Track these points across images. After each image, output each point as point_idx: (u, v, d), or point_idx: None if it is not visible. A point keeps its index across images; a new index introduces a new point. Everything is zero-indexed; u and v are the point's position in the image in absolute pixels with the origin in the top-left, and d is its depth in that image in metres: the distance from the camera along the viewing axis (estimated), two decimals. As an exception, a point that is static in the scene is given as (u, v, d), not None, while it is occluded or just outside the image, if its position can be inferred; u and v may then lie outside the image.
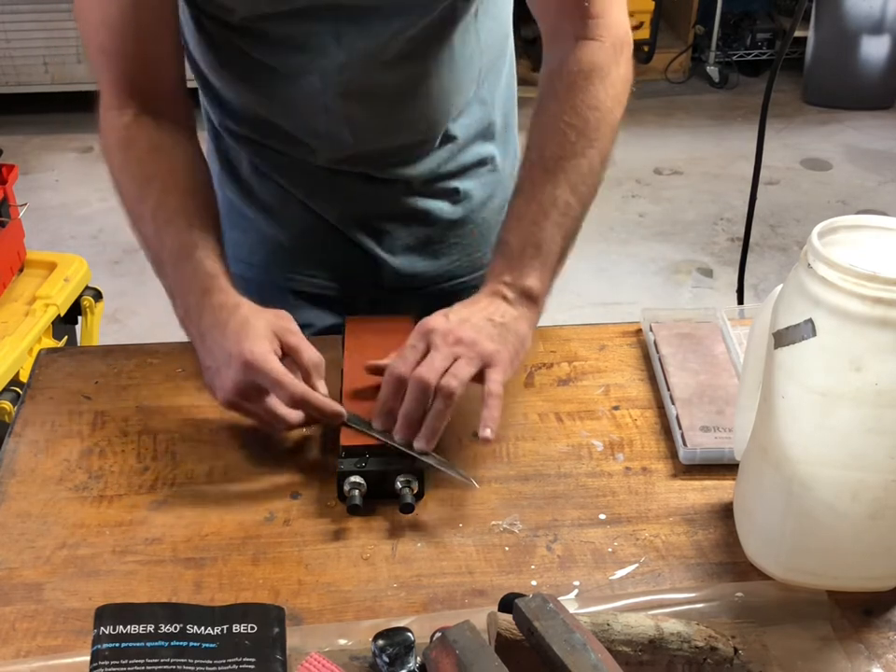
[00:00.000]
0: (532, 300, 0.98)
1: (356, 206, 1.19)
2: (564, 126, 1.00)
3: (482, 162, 1.22)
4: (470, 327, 0.93)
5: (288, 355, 0.94)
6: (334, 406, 0.93)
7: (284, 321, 0.96)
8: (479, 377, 0.91)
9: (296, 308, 1.23)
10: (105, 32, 1.01)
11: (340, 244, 1.21)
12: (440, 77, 1.10)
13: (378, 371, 0.97)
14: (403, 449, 0.91)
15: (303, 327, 1.23)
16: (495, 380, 0.91)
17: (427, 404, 0.90)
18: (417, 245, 1.22)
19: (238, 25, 1.04)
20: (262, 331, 0.92)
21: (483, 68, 1.15)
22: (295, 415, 0.93)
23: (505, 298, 0.97)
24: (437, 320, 0.94)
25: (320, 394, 0.93)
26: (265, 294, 1.22)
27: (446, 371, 0.90)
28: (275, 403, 0.92)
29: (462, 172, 1.20)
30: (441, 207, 1.21)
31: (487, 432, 0.89)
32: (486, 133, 1.20)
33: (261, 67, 1.07)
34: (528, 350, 0.97)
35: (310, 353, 0.94)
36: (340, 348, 1.06)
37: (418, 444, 0.90)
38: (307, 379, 0.93)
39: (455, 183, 1.20)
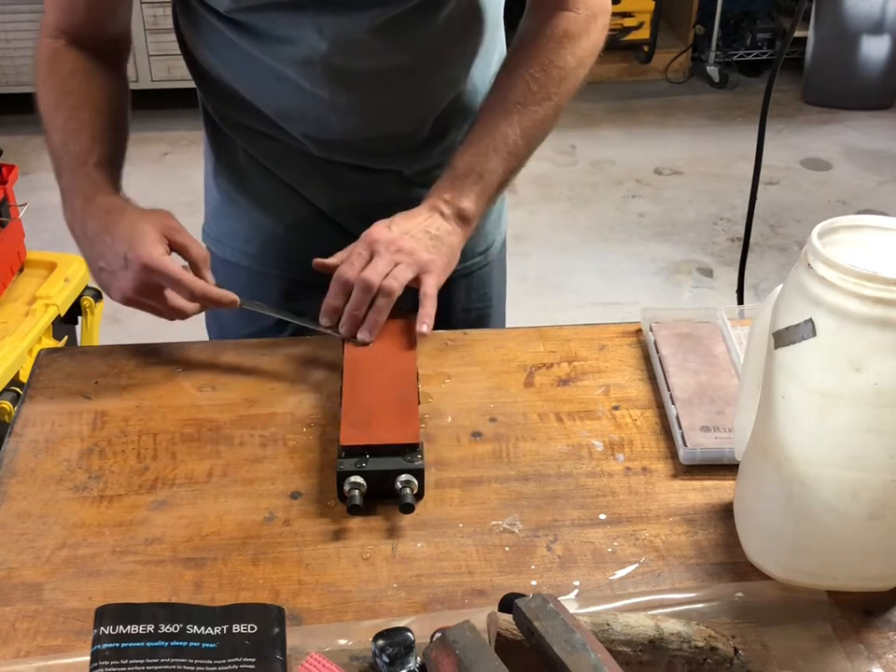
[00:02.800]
0: (465, 220, 1.08)
1: (349, 196, 1.21)
2: (528, 77, 1.10)
3: None
4: (410, 238, 1.04)
5: (176, 251, 1.02)
6: (229, 295, 1.03)
7: (168, 220, 1.03)
8: (415, 282, 1.03)
9: (292, 297, 1.24)
10: None
11: (334, 233, 1.22)
12: (425, 66, 1.12)
13: (326, 268, 1.06)
14: (329, 332, 1.04)
15: (299, 315, 1.25)
16: (430, 283, 1.04)
17: (369, 302, 1.02)
18: None
19: (224, 15, 1.07)
20: (153, 234, 1.00)
21: (471, 57, 1.17)
22: (192, 306, 1.02)
23: (442, 213, 1.07)
24: (381, 231, 1.05)
25: (213, 285, 1.03)
26: (260, 282, 1.25)
27: (388, 274, 1.01)
28: (173, 297, 1.01)
29: None
30: None
31: (424, 328, 1.02)
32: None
33: (249, 56, 1.10)
34: (456, 261, 1.09)
35: (197, 248, 1.04)
36: (340, 348, 1.06)
37: (361, 335, 1.03)
38: (196, 272, 1.03)
39: None
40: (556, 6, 1.12)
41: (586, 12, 1.12)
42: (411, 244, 1.04)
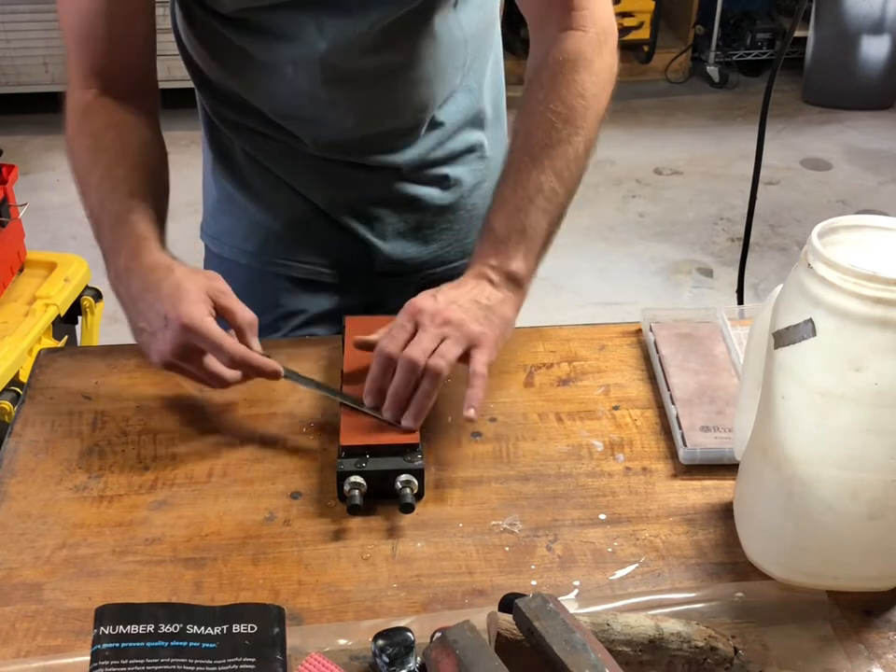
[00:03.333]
0: (517, 283, 1.00)
1: (347, 193, 1.21)
2: (550, 114, 1.02)
3: (471, 149, 1.24)
4: (458, 308, 0.95)
5: (222, 316, 0.96)
6: (272, 364, 0.96)
7: (216, 282, 0.97)
8: (464, 357, 0.94)
9: (290, 294, 1.24)
10: (77, 17, 1.04)
11: (331, 230, 1.22)
12: (422, 64, 1.12)
13: (367, 346, 0.99)
14: (373, 415, 0.94)
15: (297, 313, 1.25)
16: (480, 361, 0.93)
17: (414, 383, 0.92)
18: (408, 231, 1.24)
19: (224, 15, 1.07)
20: (196, 294, 0.94)
21: (468, 56, 1.17)
22: (232, 374, 0.96)
23: (491, 281, 0.99)
24: (425, 301, 0.96)
25: (256, 353, 0.96)
26: (258, 280, 1.25)
27: (434, 351, 0.92)
28: (213, 363, 0.95)
29: (451, 159, 1.22)
30: (431, 193, 1.22)
31: (471, 412, 0.91)
32: (475, 121, 1.22)
33: (247, 56, 1.10)
34: (511, 333, 1.00)
35: (243, 313, 0.97)
36: (340, 348, 1.06)
37: (406, 422, 0.93)
38: (241, 338, 0.96)
39: (444, 169, 1.22)
40: (562, 24, 1.06)
41: (595, 30, 1.07)
42: (459, 315, 0.94)
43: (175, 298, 0.93)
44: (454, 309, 0.95)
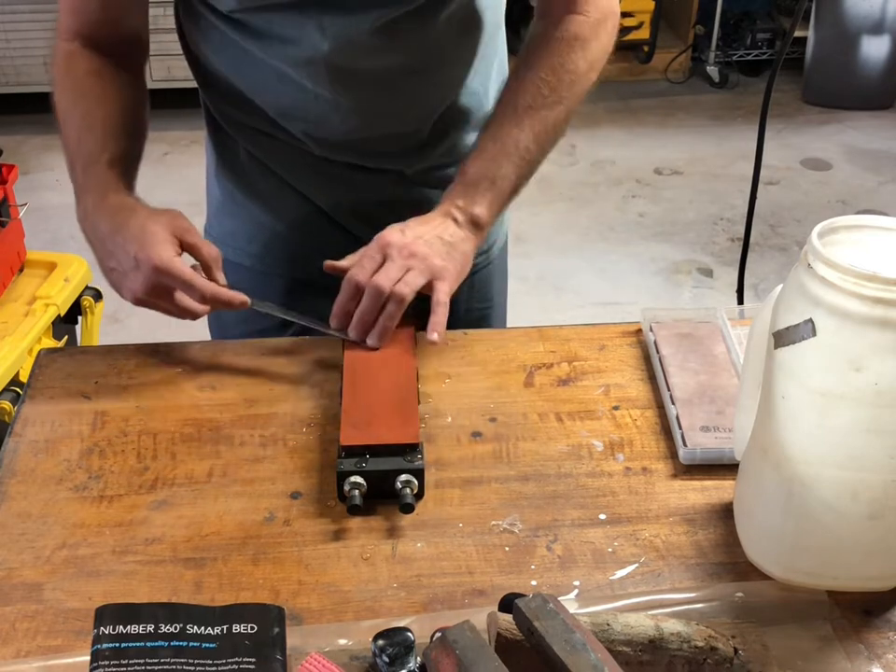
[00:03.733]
0: (478, 226, 1.07)
1: (351, 195, 1.21)
2: (539, 81, 1.09)
3: None
4: (423, 243, 1.03)
5: (187, 251, 1.02)
6: (239, 296, 1.03)
7: (179, 220, 1.02)
8: (427, 288, 1.02)
9: (293, 296, 1.24)
10: None
11: (335, 232, 1.23)
12: (426, 66, 1.12)
13: (336, 270, 1.05)
14: (338, 335, 1.04)
15: (308, 316, 1.25)
16: (442, 290, 1.02)
17: (379, 307, 1.01)
18: None
19: (227, 15, 1.07)
20: (163, 235, 0.99)
21: (472, 58, 1.17)
22: (202, 308, 1.02)
23: (455, 220, 1.06)
24: (394, 235, 1.03)
25: (223, 287, 1.03)
26: (262, 282, 1.25)
27: (399, 279, 1.00)
28: (184, 299, 1.01)
29: (456, 161, 1.21)
30: (434, 196, 1.22)
31: (434, 336, 1.00)
32: (480, 124, 1.22)
33: (250, 56, 1.10)
34: (468, 269, 1.07)
35: (208, 248, 1.03)
36: (340, 348, 1.06)
37: (370, 341, 1.02)
38: (208, 272, 1.03)
39: (449, 172, 1.21)
40: (565, 9, 1.11)
41: (596, 15, 1.12)
42: (424, 249, 1.02)
43: (143, 240, 0.98)
44: (419, 243, 1.02)
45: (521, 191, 1.11)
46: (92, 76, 1.10)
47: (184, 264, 0.99)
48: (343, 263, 1.05)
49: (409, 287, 1.00)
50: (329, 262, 1.06)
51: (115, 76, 1.11)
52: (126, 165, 1.07)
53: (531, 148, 1.09)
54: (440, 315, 1.01)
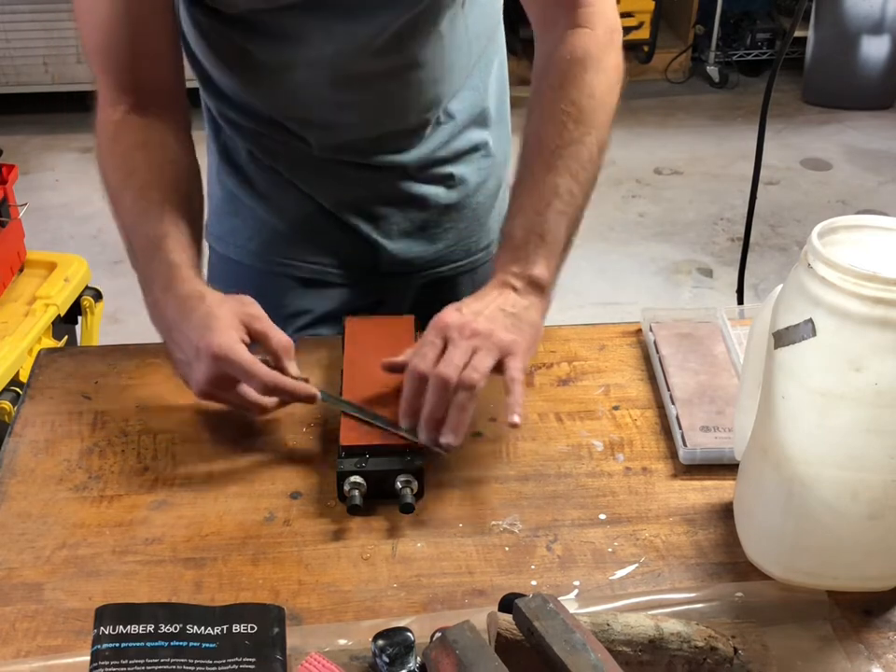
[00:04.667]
0: (540, 288, 0.98)
1: (352, 192, 1.20)
2: (561, 114, 1.01)
3: (475, 148, 1.24)
4: (485, 318, 0.93)
5: (255, 339, 0.94)
6: (307, 388, 0.94)
7: (248, 307, 0.96)
8: (497, 368, 0.92)
9: (295, 294, 1.24)
10: (100, 31, 1.02)
11: (337, 229, 1.22)
12: (429, 65, 1.12)
13: (395, 368, 0.97)
14: (409, 438, 0.92)
15: (303, 313, 1.24)
16: (515, 367, 0.92)
17: (448, 400, 0.90)
18: (413, 230, 1.24)
19: (231, 18, 1.06)
20: (227, 321, 0.92)
21: (474, 56, 1.17)
22: (269, 401, 0.95)
23: (514, 288, 0.97)
24: (451, 315, 0.94)
25: (291, 376, 0.94)
26: (263, 280, 1.25)
27: (466, 364, 0.91)
28: (248, 391, 0.93)
29: (456, 157, 1.22)
30: (436, 192, 1.22)
31: (515, 418, 0.90)
32: (480, 120, 1.22)
33: (254, 58, 1.09)
34: (541, 338, 0.98)
35: (278, 337, 0.95)
36: (340, 348, 1.06)
37: (445, 440, 0.90)
38: (277, 363, 0.94)
39: (449, 168, 1.22)
40: (569, 22, 1.05)
41: (602, 28, 1.06)
42: (487, 325, 0.93)
43: (206, 327, 0.91)
44: (481, 320, 0.93)
45: (573, 239, 1.03)
46: (141, 149, 1.03)
47: (246, 352, 0.91)
48: (400, 359, 0.96)
49: (478, 373, 0.90)
50: (386, 361, 0.98)
51: (163, 147, 1.04)
52: (189, 248, 0.99)
53: (573, 191, 1.00)
54: (516, 394, 0.91)
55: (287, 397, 0.94)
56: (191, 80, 1.19)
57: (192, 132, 1.10)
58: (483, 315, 0.94)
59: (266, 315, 0.96)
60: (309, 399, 0.95)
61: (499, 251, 1.01)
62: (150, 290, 0.98)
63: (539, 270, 0.98)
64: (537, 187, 1.00)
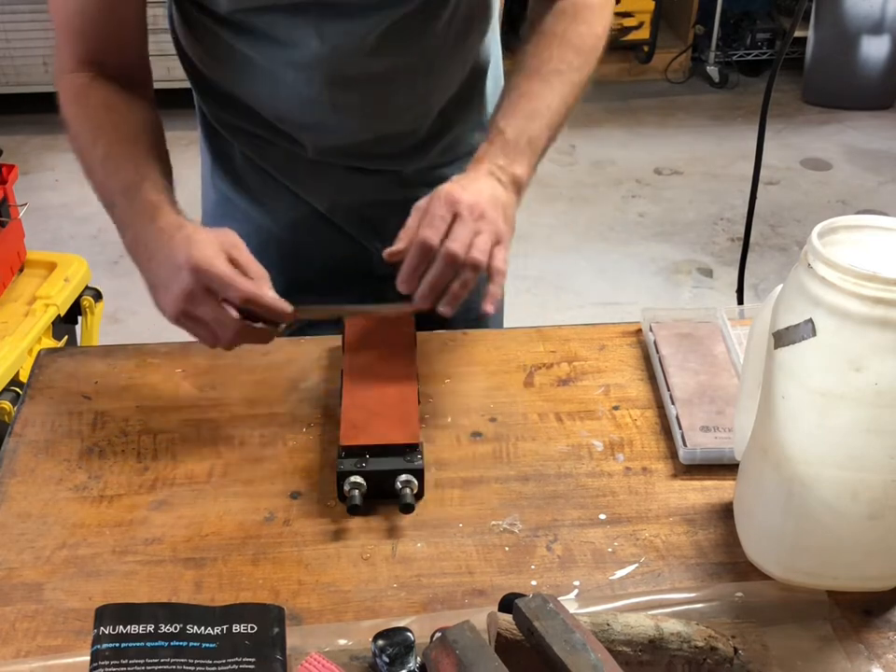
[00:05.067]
0: (519, 187, 1.03)
1: (347, 196, 1.20)
2: (567, 45, 1.09)
3: (471, 152, 1.23)
4: (488, 202, 0.97)
5: (235, 268, 0.95)
6: (282, 303, 0.95)
7: (229, 237, 0.97)
8: None
9: (289, 298, 1.24)
10: (74, 6, 1.04)
11: (331, 233, 1.22)
12: (423, 68, 1.12)
13: (396, 256, 0.97)
14: (385, 311, 0.98)
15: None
16: (501, 258, 0.95)
17: (452, 274, 0.93)
18: None
19: (223, 18, 1.06)
20: (210, 242, 0.94)
21: (469, 58, 1.17)
22: (236, 323, 0.93)
23: (500, 180, 1.01)
24: (458, 191, 0.96)
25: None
26: None
27: (471, 244, 0.93)
28: (221, 312, 0.93)
29: (452, 162, 1.22)
30: None
31: (490, 307, 0.94)
32: (476, 124, 1.22)
33: (246, 59, 1.09)
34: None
35: (256, 266, 0.96)
36: (340, 348, 1.06)
37: (443, 309, 0.94)
38: (250, 303, 0.94)
39: (445, 172, 1.21)
40: None
41: None
42: (492, 211, 0.96)
43: (187, 246, 0.93)
44: (486, 203, 0.96)
45: (546, 153, 1.09)
46: (107, 108, 1.06)
47: (226, 264, 0.93)
48: (400, 245, 0.96)
49: (483, 255, 0.93)
50: (388, 250, 0.97)
51: (130, 103, 1.07)
52: (167, 188, 1.02)
53: (561, 110, 1.07)
54: (498, 285, 0.95)
55: (264, 310, 0.94)
56: (184, 81, 1.19)
57: (189, 131, 1.10)
58: (484, 198, 0.97)
59: (244, 244, 0.97)
60: (284, 312, 0.95)
61: (489, 142, 1.04)
62: (130, 228, 0.99)
63: (522, 169, 1.03)
64: (534, 97, 1.06)
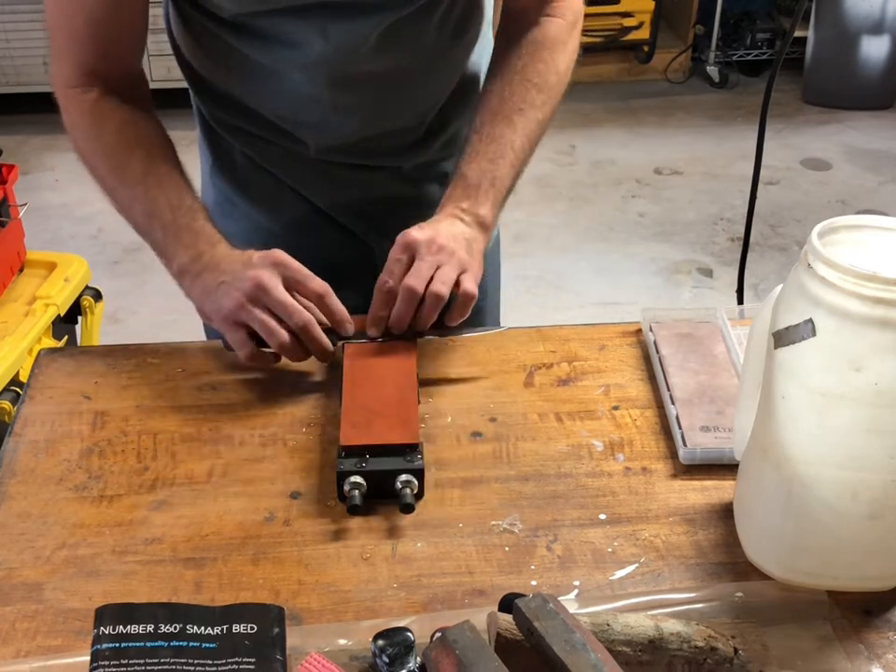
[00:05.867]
0: (483, 226, 1.07)
1: (347, 193, 1.21)
2: (527, 83, 1.11)
3: None
4: (447, 236, 1.02)
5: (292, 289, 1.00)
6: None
7: (283, 255, 1.01)
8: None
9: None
10: (76, 13, 1.04)
11: (332, 230, 1.23)
12: (424, 66, 1.13)
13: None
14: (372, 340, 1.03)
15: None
16: (471, 281, 1.01)
17: (414, 308, 1.00)
18: None
19: (224, 21, 1.06)
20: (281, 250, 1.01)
21: (467, 55, 1.18)
22: (284, 336, 0.98)
23: (463, 220, 1.06)
24: (414, 232, 1.01)
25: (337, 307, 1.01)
26: None
27: (432, 278, 0.99)
28: (271, 322, 0.98)
29: (451, 156, 1.22)
30: (431, 191, 1.23)
31: (453, 323, 1.02)
32: (473, 117, 1.22)
33: (248, 61, 1.09)
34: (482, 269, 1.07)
35: (318, 280, 1.01)
36: (339, 348, 1.06)
37: (408, 333, 1.02)
38: (321, 299, 1.01)
39: (444, 167, 1.22)
40: (543, 12, 1.13)
41: (571, 18, 1.14)
42: (451, 243, 1.02)
43: (263, 250, 1.00)
44: (444, 237, 1.01)
45: (513, 190, 1.12)
46: (131, 125, 1.08)
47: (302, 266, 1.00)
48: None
49: (445, 286, 0.99)
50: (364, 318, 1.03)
51: (148, 121, 1.10)
52: (207, 214, 1.07)
53: (525, 148, 1.10)
54: (466, 308, 1.01)
55: (331, 316, 1.01)
56: (180, 81, 1.19)
57: (188, 131, 1.11)
58: (444, 234, 1.02)
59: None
60: (346, 322, 1.02)
61: (452, 188, 1.09)
62: (180, 256, 1.03)
63: (486, 210, 1.07)
64: (495, 138, 1.09)
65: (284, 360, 1.04)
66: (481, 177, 1.07)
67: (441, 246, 1.00)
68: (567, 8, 1.14)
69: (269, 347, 1.00)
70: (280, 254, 0.99)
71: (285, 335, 0.98)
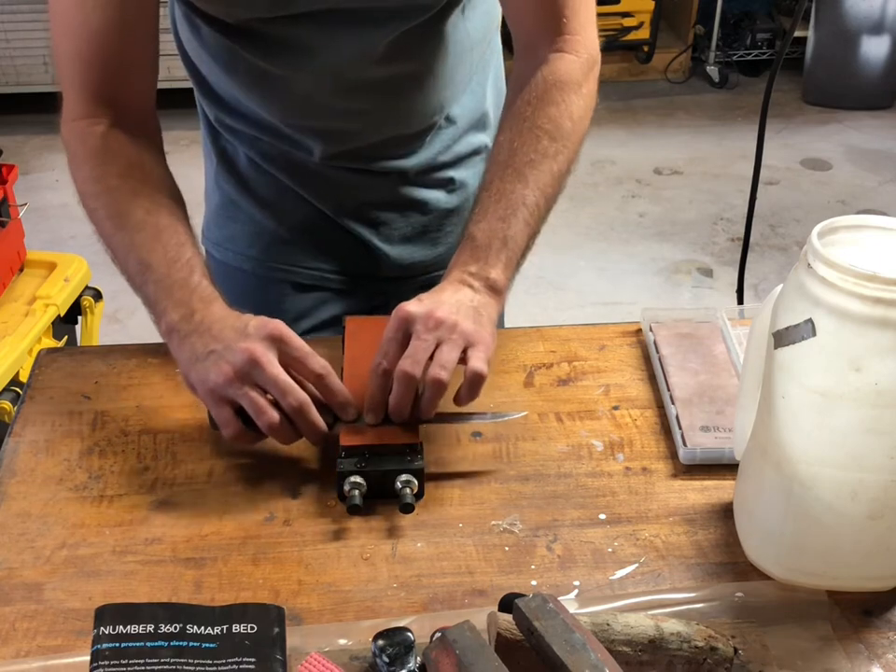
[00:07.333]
0: (495, 291, 0.97)
1: (352, 197, 1.20)
2: (538, 130, 1.02)
3: (476, 152, 1.24)
4: (447, 308, 0.92)
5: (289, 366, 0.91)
6: (354, 404, 0.93)
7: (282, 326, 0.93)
8: (460, 358, 0.91)
9: (294, 299, 1.24)
10: (85, 37, 0.99)
11: (337, 234, 1.22)
12: (432, 71, 1.12)
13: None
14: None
15: (303, 318, 1.24)
16: (479, 358, 0.91)
17: (413, 394, 0.90)
18: (414, 235, 1.24)
19: (232, 27, 1.05)
20: (280, 321, 0.92)
21: (474, 60, 1.18)
22: (274, 415, 0.89)
23: (471, 286, 0.96)
24: (412, 306, 0.92)
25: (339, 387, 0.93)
26: (262, 285, 1.24)
27: (431, 359, 0.90)
28: (259, 400, 0.89)
29: (457, 161, 1.22)
30: (436, 197, 1.23)
31: (461, 404, 0.91)
32: (479, 124, 1.23)
33: (255, 66, 1.08)
34: (496, 338, 0.96)
35: (317, 358, 0.93)
36: (340, 348, 1.06)
37: (423, 416, 0.92)
38: (321, 379, 0.92)
39: (450, 172, 1.22)
40: (555, 47, 1.05)
41: (586, 56, 1.06)
42: (451, 315, 0.91)
43: (261, 320, 0.91)
44: (443, 310, 0.92)
45: (531, 249, 1.02)
46: (136, 168, 1.02)
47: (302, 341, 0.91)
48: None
49: (445, 370, 0.89)
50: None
51: (155, 165, 1.04)
52: (208, 272, 0.98)
53: (539, 204, 1.00)
54: (476, 389, 0.91)
55: (332, 398, 0.92)
56: (187, 80, 1.19)
57: (188, 131, 1.10)
58: (445, 305, 0.92)
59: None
60: (349, 404, 0.93)
61: (460, 251, 1.00)
62: (171, 313, 0.94)
63: (497, 273, 0.97)
64: (505, 194, 1.00)
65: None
66: (491, 238, 0.98)
67: (439, 321, 0.90)
68: (579, 44, 1.05)
69: (256, 427, 0.91)
70: (279, 326, 0.90)
71: (275, 416, 0.89)
